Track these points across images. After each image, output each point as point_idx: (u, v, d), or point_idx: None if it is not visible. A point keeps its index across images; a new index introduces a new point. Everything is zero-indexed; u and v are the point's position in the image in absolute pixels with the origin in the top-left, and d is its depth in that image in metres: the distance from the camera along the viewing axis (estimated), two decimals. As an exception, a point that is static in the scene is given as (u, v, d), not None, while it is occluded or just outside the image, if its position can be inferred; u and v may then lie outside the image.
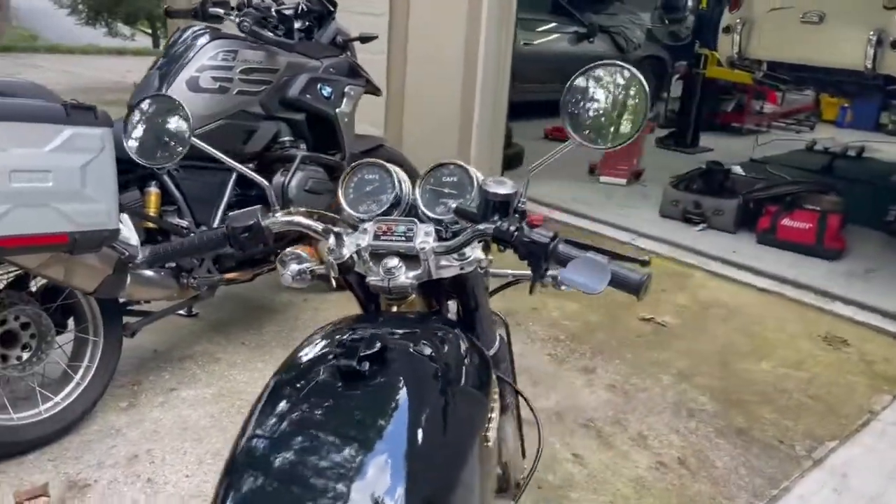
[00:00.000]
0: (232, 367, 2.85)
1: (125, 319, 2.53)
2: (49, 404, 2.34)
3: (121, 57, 12.92)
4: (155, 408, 2.57)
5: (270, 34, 2.71)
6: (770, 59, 5.03)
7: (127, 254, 2.29)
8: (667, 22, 9.75)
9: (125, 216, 2.43)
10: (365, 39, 3.20)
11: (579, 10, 8.52)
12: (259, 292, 3.41)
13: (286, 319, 3.24)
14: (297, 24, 2.94)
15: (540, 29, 8.03)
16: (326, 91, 2.93)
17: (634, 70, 1.09)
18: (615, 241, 4.45)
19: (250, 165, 2.78)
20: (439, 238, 1.24)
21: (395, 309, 1.23)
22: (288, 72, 2.84)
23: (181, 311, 2.84)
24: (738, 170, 5.41)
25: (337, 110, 2.96)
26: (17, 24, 15.75)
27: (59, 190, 1.94)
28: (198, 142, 1.27)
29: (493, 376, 1.21)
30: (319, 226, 1.24)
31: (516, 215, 1.15)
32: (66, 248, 2.01)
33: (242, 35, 2.69)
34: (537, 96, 7.69)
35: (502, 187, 1.16)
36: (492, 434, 1.09)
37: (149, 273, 2.48)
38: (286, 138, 2.85)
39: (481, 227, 1.14)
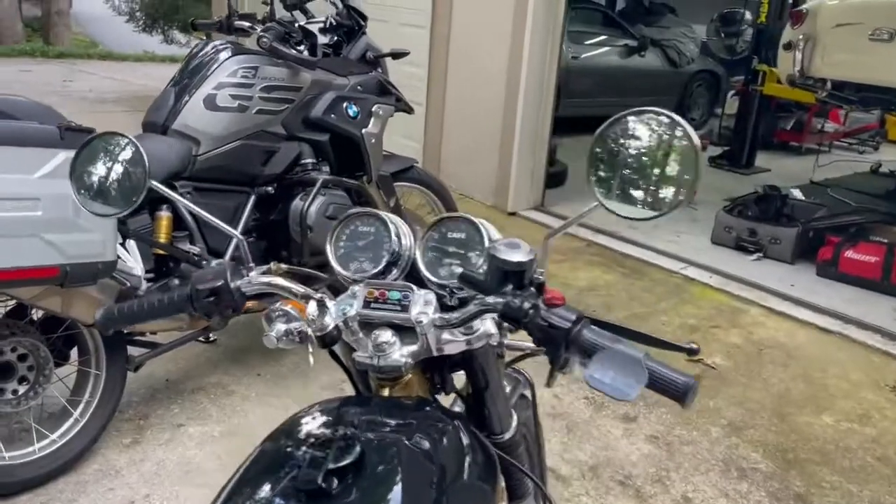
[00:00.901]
0: (245, 401, 2.69)
1: (131, 352, 2.38)
2: (45, 442, 2.20)
3: (174, 65, 13.05)
4: (159, 446, 2.41)
5: (293, 51, 2.55)
6: (835, 79, 4.70)
7: (129, 284, 2.15)
8: (723, 35, 9.42)
9: (132, 243, 2.29)
10: (397, 55, 3.01)
11: (630, 22, 8.25)
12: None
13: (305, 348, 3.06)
14: (324, 40, 2.77)
15: (589, 42, 7.77)
16: (353, 110, 2.75)
17: (681, 121, 0.87)
18: (663, 270, 4.18)
19: (269, 188, 2.61)
20: (442, 307, 1.03)
21: (386, 391, 1.03)
22: (312, 90, 2.68)
23: (199, 338, 2.68)
24: (797, 194, 5.07)
25: (363, 130, 2.78)
26: (78, 31, 16.13)
27: (49, 219, 1.80)
28: (157, 185, 1.08)
29: (500, 481, 0.99)
30: (299, 289, 1.05)
31: (532, 289, 0.93)
32: (56, 282, 1.87)
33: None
34: (584, 111, 7.43)
35: (515, 253, 0.95)
36: None
37: (155, 303, 2.33)
38: (308, 160, 2.67)
39: (489, 300, 0.93)
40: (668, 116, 0.87)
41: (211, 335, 2.83)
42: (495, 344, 1.06)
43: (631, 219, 0.93)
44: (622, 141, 0.91)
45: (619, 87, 7.85)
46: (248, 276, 1.08)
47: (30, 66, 10.72)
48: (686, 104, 8.63)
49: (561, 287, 4.11)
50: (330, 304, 1.02)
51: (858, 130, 8.38)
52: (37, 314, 2.21)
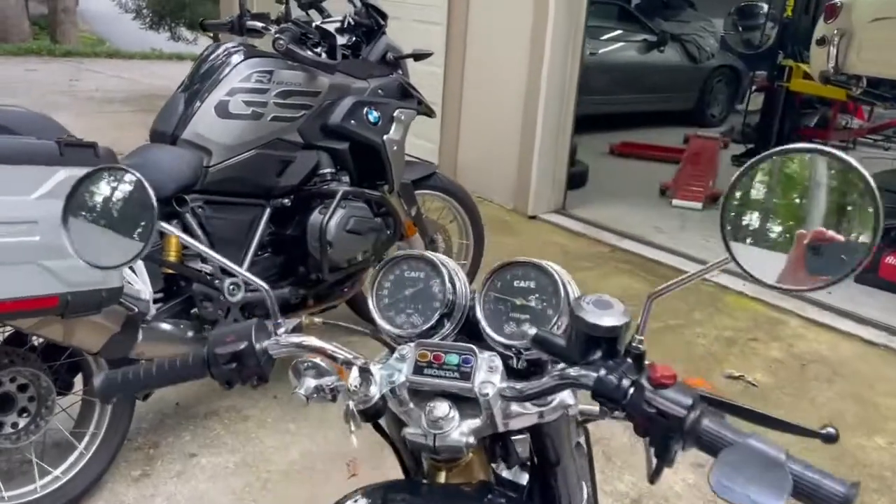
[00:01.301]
0: (261, 427, 2.52)
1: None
2: (47, 479, 2.04)
3: (181, 63, 12.89)
4: (170, 479, 2.25)
5: (310, 53, 2.37)
6: (871, 76, 4.49)
7: (137, 310, 1.98)
8: (741, 29, 9.18)
9: (139, 263, 2.12)
10: (419, 56, 2.83)
11: (648, 16, 8.03)
12: (296, 334, 3.08)
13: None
14: (342, 41, 2.59)
15: (606, 37, 7.57)
16: (373, 116, 2.57)
17: (854, 163, 0.68)
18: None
19: (286, 200, 2.44)
20: (509, 372, 0.86)
21: (442, 476, 0.85)
22: (330, 94, 2.50)
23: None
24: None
25: (385, 137, 2.60)
26: (85, 28, 16.00)
27: (47, 244, 1.63)
28: (166, 227, 0.91)
29: None
30: (340, 353, 0.88)
31: (628, 360, 0.76)
32: (56, 312, 1.70)
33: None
34: (602, 109, 7.26)
35: (607, 315, 0.77)
36: None
37: (165, 327, 2.17)
38: (327, 170, 2.50)
39: (574, 373, 0.76)
40: (835, 157, 0.68)
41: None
42: (573, 414, 0.89)
43: (782, 288, 0.74)
44: (768, 187, 0.73)
45: (638, 84, 7.65)
46: (276, 334, 0.91)
47: (36, 64, 10.59)
48: (706, 100, 8.41)
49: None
50: (375, 369, 0.85)
51: (883, 126, 8.15)
52: (37, 340, 2.05)
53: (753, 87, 7.64)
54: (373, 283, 0.96)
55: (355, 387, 0.84)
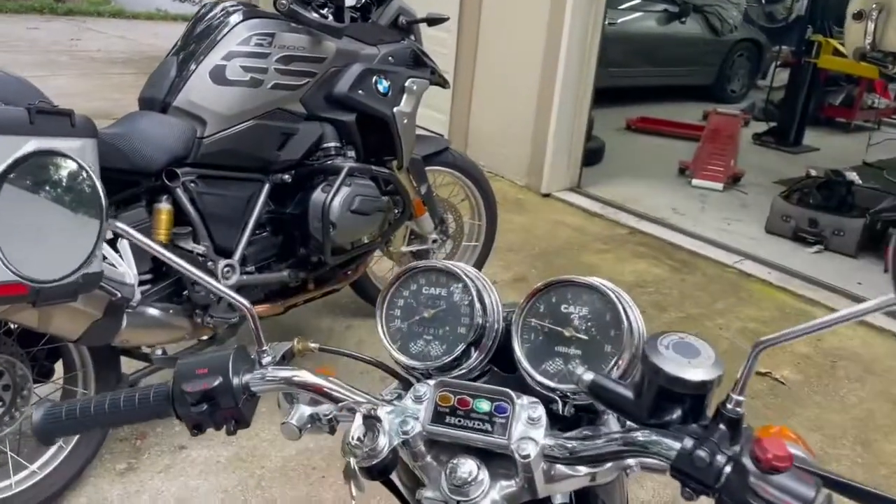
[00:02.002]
0: (255, 419, 2.34)
1: (124, 366, 2.05)
2: (24, 474, 1.89)
3: (185, 24, 12.61)
4: (157, 474, 2.09)
5: (315, 15, 2.16)
6: (912, 53, 4.23)
7: (120, 295, 1.80)
8: (763, 1, 8.86)
9: (124, 243, 1.94)
10: (434, 21, 2.61)
11: (670, -15, 7.73)
12: (293, 316, 2.91)
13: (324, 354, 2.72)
14: (350, 2, 2.37)
15: (625, 6, 7.28)
16: (383, 86, 2.37)
17: None
18: (716, 264, 3.79)
19: (286, 176, 2.25)
20: (552, 417, 0.68)
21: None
22: (337, 61, 2.29)
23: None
24: (853, 177, 4.64)
25: (395, 109, 2.40)
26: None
27: (15, 225, 1.44)
28: (124, 228, 0.72)
29: None
30: (340, 392, 0.70)
31: (720, 427, 0.57)
32: (27, 300, 1.52)
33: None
34: (619, 82, 7.00)
35: (693, 366, 0.59)
36: None
37: (152, 312, 1.99)
38: (331, 144, 2.30)
39: (641, 438, 0.58)
40: None
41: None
42: (631, 473, 0.71)
43: None
44: None
45: (657, 56, 7.38)
46: (260, 365, 0.73)
47: (38, 22, 10.32)
48: (726, 75, 8.12)
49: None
50: (384, 413, 0.67)
51: (910, 107, 7.88)
52: (13, 324, 1.88)
53: (778, 63, 7.36)
54: (382, 301, 0.77)
55: (359, 439, 0.66)
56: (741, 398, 0.57)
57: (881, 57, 4.34)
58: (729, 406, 0.57)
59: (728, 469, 0.54)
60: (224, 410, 0.70)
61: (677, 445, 0.57)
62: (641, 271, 3.64)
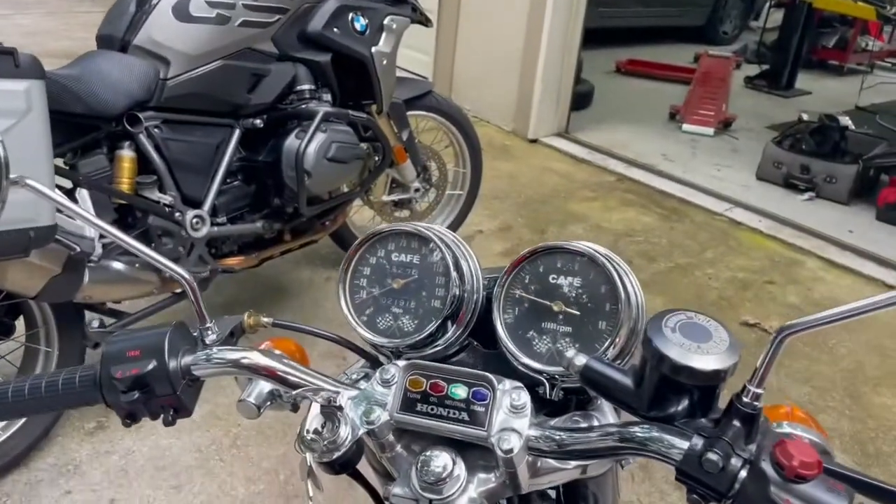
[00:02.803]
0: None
1: (89, 319, 1.95)
2: (-14, 435, 1.80)
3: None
4: (128, 433, 2.01)
5: (285, -56, 2.00)
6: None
7: (79, 249, 1.69)
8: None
9: (83, 193, 1.83)
10: (414, -46, 2.45)
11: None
12: (271, 267, 2.81)
13: (303, 306, 2.64)
14: (324, -69, 2.21)
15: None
16: (360, 23, 2.22)
17: None
18: (706, 212, 3.71)
19: (257, 121, 2.11)
20: (539, 405, 0.60)
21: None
22: (310, -4, 2.14)
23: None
24: (846, 121, 4.54)
25: (373, 49, 2.26)
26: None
27: (-47, 175, 1.32)
28: (34, 184, 0.61)
29: None
30: (295, 375, 0.61)
31: (734, 423, 0.48)
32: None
33: (249, -56, 1.99)
34: (609, 22, 6.79)
35: (706, 354, 0.50)
36: None
37: (116, 266, 1.88)
38: (305, 86, 2.16)
39: (640, 433, 0.50)
40: None
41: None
42: (626, 466, 0.63)
43: None
44: None
45: (648, -4, 7.15)
46: (203, 344, 0.64)
47: (4, -42, 9.85)
48: (718, 16, 7.91)
49: (595, 231, 3.63)
50: (345, 400, 0.58)
51: (904, 49, 7.74)
52: (-32, 280, 1.77)
53: (771, 3, 7.16)
54: (346, 270, 0.67)
55: (316, 431, 0.57)
56: (760, 391, 0.48)
57: (882, -4, 4.20)
58: (745, 399, 0.48)
59: (744, 474, 0.46)
60: (160, 398, 0.60)
61: (684, 445, 0.48)
62: (630, 220, 3.56)
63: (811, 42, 6.95)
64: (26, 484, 1.83)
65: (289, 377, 0.61)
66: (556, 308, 0.61)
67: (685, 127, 4.99)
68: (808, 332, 0.47)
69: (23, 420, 1.85)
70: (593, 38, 5.67)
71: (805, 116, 4.33)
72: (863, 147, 4.07)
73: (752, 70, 6.53)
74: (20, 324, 1.88)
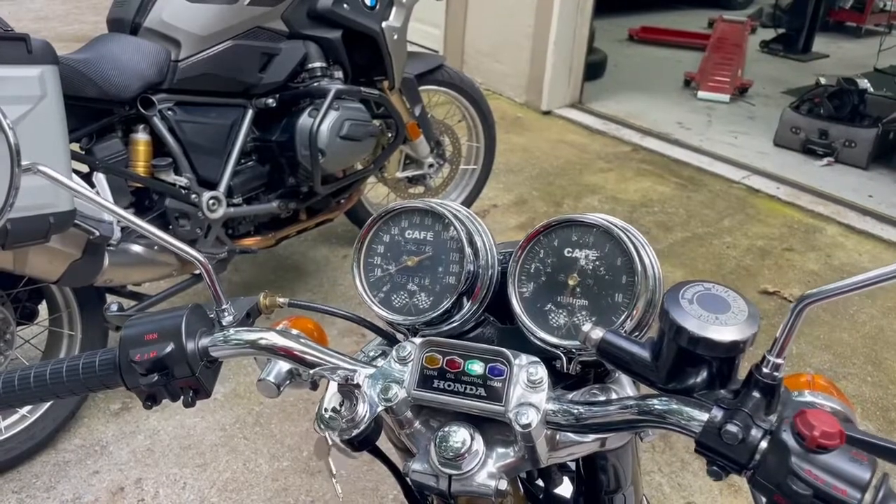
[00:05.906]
0: (253, 353, 2.30)
1: (108, 303, 1.97)
2: (13, 419, 1.85)
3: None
4: (153, 413, 2.05)
5: (292, -81, 1.98)
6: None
7: (98, 233, 1.71)
8: None
9: (100, 177, 1.84)
10: (422, -74, 2.42)
11: None
12: (288, 247, 2.83)
13: (321, 285, 2.65)
14: None
15: None
16: (370, -2, 2.20)
17: None
18: (723, 180, 3.67)
19: (270, 100, 2.11)
20: (557, 378, 0.60)
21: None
22: (319, -28, 2.12)
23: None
24: (866, 84, 4.45)
25: (383, 24, 2.24)
26: None
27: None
28: (47, 170, 0.61)
29: None
30: (313, 354, 0.61)
31: (754, 394, 0.48)
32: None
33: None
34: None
35: (723, 325, 0.49)
36: None
37: (135, 249, 1.90)
38: (316, 64, 2.16)
39: (659, 406, 0.50)
40: None
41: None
42: (645, 436, 0.63)
43: None
44: None
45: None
46: (220, 325, 0.64)
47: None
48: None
49: (610, 203, 3.61)
50: (363, 378, 0.59)
51: (924, 9, 7.55)
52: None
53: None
54: (359, 248, 0.68)
55: (335, 409, 0.58)
56: (780, 361, 0.48)
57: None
58: (765, 370, 0.48)
59: (764, 445, 0.46)
60: (179, 380, 0.61)
61: (703, 416, 0.48)
62: (646, 190, 3.53)
63: (828, 3, 6.81)
64: (55, 465, 1.87)
65: (305, 356, 0.62)
66: (571, 281, 0.61)
67: (700, 94, 4.92)
68: (829, 300, 0.47)
69: (49, 403, 1.89)
70: (605, 5, 5.60)
71: (823, 80, 4.26)
72: (882, 110, 4.00)
73: (768, 34, 6.42)
74: (43, 308, 1.91)
